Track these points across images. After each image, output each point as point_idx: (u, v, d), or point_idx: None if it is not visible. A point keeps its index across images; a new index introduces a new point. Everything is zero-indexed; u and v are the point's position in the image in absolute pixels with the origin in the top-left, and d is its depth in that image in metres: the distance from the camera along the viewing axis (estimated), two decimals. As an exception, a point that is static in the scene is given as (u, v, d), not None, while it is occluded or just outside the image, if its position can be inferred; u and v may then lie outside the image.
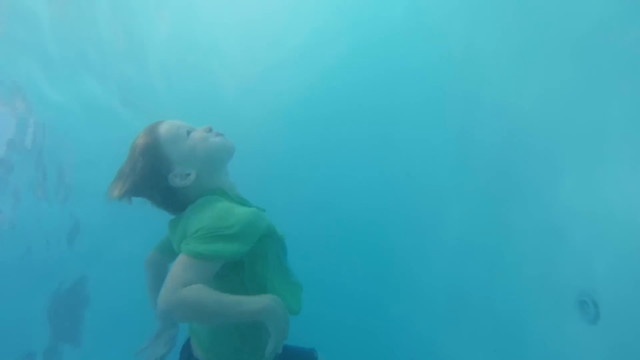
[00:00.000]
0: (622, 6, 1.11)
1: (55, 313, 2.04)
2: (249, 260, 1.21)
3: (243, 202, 1.32)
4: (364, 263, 2.18)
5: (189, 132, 1.29)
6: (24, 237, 1.92)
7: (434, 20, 1.78)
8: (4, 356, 1.84)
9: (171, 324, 1.48)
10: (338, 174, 2.16)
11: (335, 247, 2.18)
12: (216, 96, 2.13)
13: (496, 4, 1.50)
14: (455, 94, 1.73)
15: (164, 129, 1.27)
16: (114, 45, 2.05)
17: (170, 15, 2.10)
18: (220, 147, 1.32)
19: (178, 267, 1.07)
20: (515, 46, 1.44)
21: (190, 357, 1.34)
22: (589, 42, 1.20)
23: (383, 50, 1.97)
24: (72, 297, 2.10)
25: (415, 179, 1.98)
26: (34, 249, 1.94)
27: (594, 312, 1.22)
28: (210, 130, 1.33)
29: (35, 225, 1.96)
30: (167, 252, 1.45)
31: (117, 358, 1.80)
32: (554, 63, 1.30)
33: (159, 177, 1.24)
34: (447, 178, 1.83)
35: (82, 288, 2.13)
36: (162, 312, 1.05)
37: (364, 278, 2.18)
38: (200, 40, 2.12)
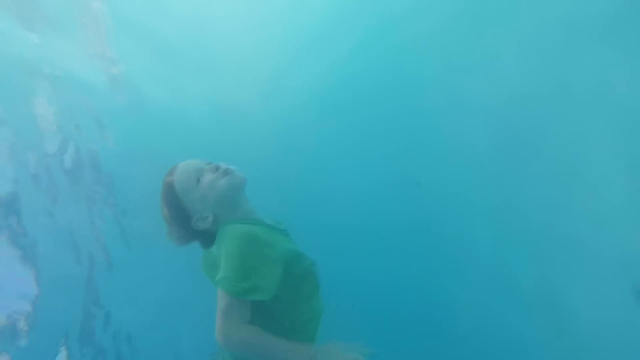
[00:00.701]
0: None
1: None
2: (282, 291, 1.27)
3: (260, 224, 1.39)
4: (407, 246, 2.27)
5: (198, 180, 1.38)
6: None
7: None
8: None
9: None
10: (366, 159, 2.26)
11: (376, 234, 2.29)
12: (236, 108, 2.24)
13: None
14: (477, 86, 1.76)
15: (176, 180, 1.39)
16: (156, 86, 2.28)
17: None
18: (228, 189, 1.39)
19: (221, 303, 1.19)
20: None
21: None
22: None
23: (391, 41, 2.07)
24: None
25: (453, 165, 1.99)
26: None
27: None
28: (216, 169, 1.40)
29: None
30: None
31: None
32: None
33: (184, 225, 1.41)
34: (485, 161, 1.82)
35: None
36: (221, 344, 1.18)
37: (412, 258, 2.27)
38: (212, 59, 2.33)
